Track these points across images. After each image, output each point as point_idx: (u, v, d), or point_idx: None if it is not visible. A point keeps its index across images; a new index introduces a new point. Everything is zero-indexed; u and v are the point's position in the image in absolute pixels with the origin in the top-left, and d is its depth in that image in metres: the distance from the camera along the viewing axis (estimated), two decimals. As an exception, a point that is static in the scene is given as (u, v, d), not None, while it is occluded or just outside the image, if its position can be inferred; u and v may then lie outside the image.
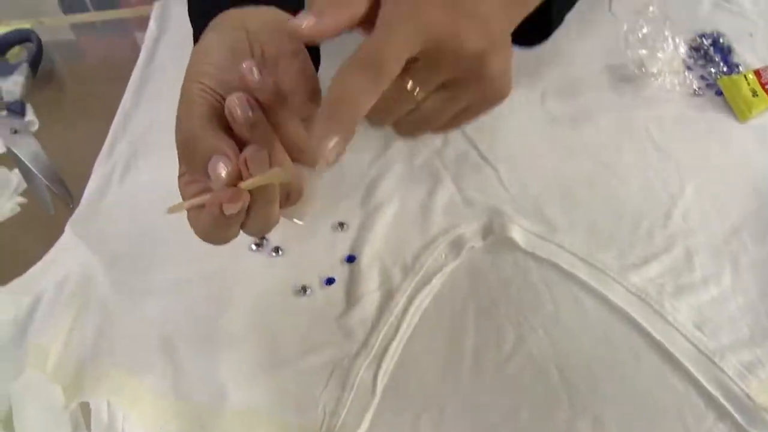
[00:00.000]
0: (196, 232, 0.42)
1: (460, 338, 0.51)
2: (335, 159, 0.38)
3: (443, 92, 0.43)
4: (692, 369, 0.47)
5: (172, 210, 0.42)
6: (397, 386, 0.50)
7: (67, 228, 0.61)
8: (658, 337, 0.49)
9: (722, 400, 0.46)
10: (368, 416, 0.48)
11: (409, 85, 0.42)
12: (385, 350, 0.51)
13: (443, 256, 0.55)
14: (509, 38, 0.46)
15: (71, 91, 0.77)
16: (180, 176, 0.44)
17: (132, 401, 0.50)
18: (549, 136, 0.62)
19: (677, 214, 0.55)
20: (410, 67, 0.40)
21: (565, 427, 0.46)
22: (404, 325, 0.52)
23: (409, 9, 0.40)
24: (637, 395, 0.47)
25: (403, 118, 0.45)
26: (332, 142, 0.37)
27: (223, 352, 0.52)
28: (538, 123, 0.63)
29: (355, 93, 0.38)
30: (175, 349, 0.53)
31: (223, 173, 0.39)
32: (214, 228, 0.41)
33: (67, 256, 0.60)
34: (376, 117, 0.44)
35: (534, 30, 0.59)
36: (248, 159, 0.39)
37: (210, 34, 0.45)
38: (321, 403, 0.49)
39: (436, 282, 0.54)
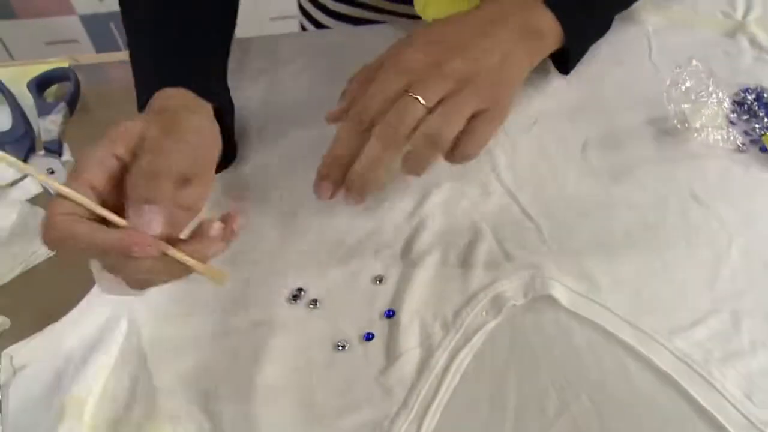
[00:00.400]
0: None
1: (502, 400, 0.50)
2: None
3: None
4: (744, 442, 0.46)
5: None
6: (439, 450, 0.49)
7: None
8: (706, 405, 0.48)
9: (776, 475, 0.45)
10: (410, 480, 0.47)
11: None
12: (425, 411, 0.50)
13: (484, 313, 0.54)
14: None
15: (102, 118, 0.77)
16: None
17: (168, 458, 0.50)
18: (590, 190, 0.61)
19: (724, 275, 0.54)
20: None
21: (612, 499, 0.45)
22: (444, 385, 0.51)
23: None
24: (685, 467, 0.46)
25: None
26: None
27: (261, 408, 0.52)
28: (579, 176, 0.62)
29: None
30: (212, 403, 0.52)
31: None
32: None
33: (104, 301, 0.59)
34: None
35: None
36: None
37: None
38: (362, 467, 0.48)
39: (477, 340, 0.53)
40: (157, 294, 0.58)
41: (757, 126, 0.63)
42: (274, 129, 0.70)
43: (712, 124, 0.61)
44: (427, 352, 0.53)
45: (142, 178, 0.47)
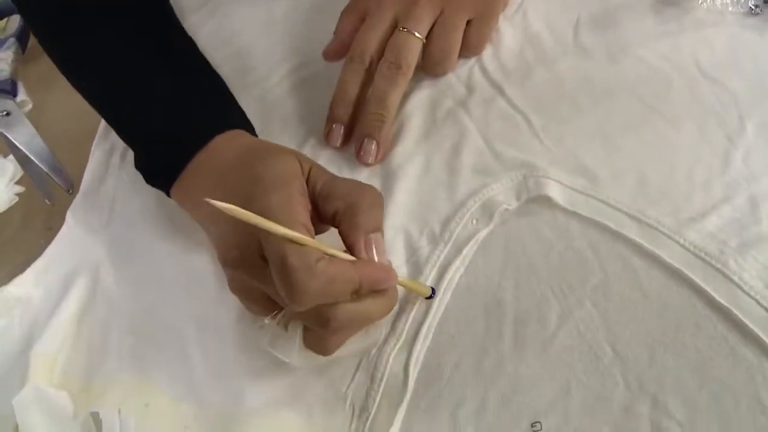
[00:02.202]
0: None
1: (499, 314, 0.46)
2: None
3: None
4: (765, 337, 0.42)
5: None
6: (431, 375, 0.45)
7: (68, 216, 0.57)
8: (722, 301, 0.43)
9: (801, 371, 0.40)
10: (401, 411, 0.44)
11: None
12: (415, 335, 0.46)
13: (474, 221, 0.50)
14: None
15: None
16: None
17: (145, 407, 0.47)
18: (585, 75, 0.55)
19: (737, 157, 0.48)
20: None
21: (622, 410, 0.41)
22: (435, 304, 0.47)
23: None
24: (701, 370, 0.42)
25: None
26: None
27: (238, 348, 0.48)
28: (572, 60, 0.56)
29: None
30: (189, 347, 0.49)
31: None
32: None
33: (71, 248, 0.56)
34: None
35: None
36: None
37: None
38: (348, 399, 0.45)
39: (468, 252, 0.49)
40: (123, 229, 0.55)
41: None
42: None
43: (719, -14, 0.55)
44: (415, 269, 0.48)
45: (368, 207, 0.44)
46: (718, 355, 0.42)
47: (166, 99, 0.53)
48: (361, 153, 0.54)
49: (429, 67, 0.57)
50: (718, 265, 0.44)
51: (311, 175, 0.45)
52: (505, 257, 0.48)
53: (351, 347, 0.46)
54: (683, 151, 0.50)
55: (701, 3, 0.55)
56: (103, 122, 0.63)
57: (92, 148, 0.61)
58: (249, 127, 0.54)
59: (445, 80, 0.58)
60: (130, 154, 0.59)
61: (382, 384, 0.45)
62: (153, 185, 0.53)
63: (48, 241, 0.56)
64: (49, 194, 0.60)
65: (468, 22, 0.57)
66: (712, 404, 0.41)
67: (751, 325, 0.42)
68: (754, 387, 0.41)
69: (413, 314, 0.47)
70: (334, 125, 0.56)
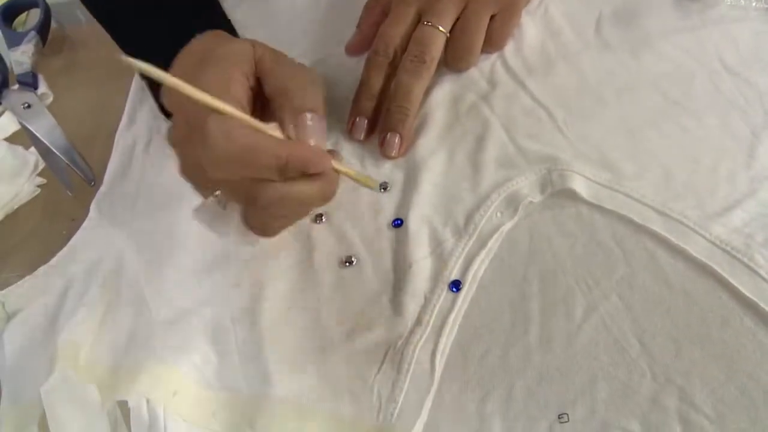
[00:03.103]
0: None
1: (525, 306, 0.46)
2: None
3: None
4: (793, 330, 0.42)
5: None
6: (458, 366, 0.45)
7: (92, 208, 0.58)
8: (749, 294, 0.43)
9: (830, 364, 0.41)
10: (428, 401, 0.44)
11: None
12: (441, 326, 0.46)
13: (498, 214, 0.50)
14: None
15: (83, 57, 0.72)
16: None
17: (174, 395, 0.47)
18: (607, 71, 0.55)
19: (762, 151, 0.48)
20: None
21: (649, 402, 0.42)
22: (461, 296, 0.47)
23: None
24: (728, 363, 0.42)
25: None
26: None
27: (267, 335, 0.48)
28: (594, 55, 0.56)
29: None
30: (216, 335, 0.49)
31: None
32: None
33: (95, 238, 0.56)
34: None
35: None
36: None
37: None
38: (375, 389, 0.45)
39: (493, 244, 0.49)
40: (150, 220, 0.55)
41: None
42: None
43: (742, -18, 0.55)
44: (440, 262, 0.49)
45: (299, 89, 0.43)
46: (745, 349, 0.42)
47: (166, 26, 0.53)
48: (385, 146, 0.54)
49: (452, 61, 0.57)
50: (745, 259, 0.44)
51: (262, 59, 0.45)
52: (530, 250, 0.48)
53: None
54: (707, 145, 0.50)
55: (726, -1, 0.55)
56: (126, 112, 0.63)
57: (116, 139, 0.62)
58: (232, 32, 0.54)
59: (467, 75, 0.58)
60: (154, 144, 0.60)
61: (409, 375, 0.45)
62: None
63: (71, 232, 0.56)
64: (71, 186, 0.60)
65: (491, 18, 0.57)
66: (740, 398, 0.41)
67: (779, 320, 0.42)
68: (783, 377, 0.41)
69: (439, 306, 0.47)
70: (357, 118, 0.56)
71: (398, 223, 0.51)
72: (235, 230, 0.46)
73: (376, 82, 0.56)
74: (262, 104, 0.46)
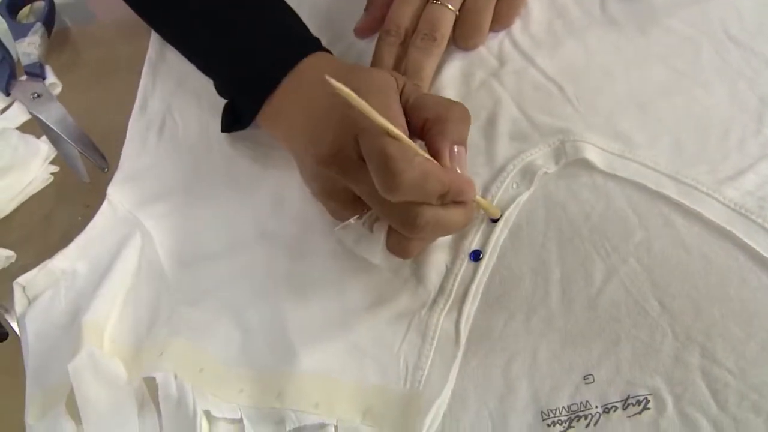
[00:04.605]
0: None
1: (545, 273, 0.47)
2: None
3: None
4: (810, 286, 0.43)
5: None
6: (482, 333, 0.46)
7: (109, 192, 0.58)
8: (765, 254, 0.44)
9: None
10: (455, 368, 0.45)
11: None
12: (464, 295, 0.47)
13: (514, 185, 0.51)
14: None
15: (89, 49, 0.72)
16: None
17: (200, 372, 0.47)
18: (614, 45, 0.56)
19: (770, 116, 0.50)
20: None
21: (672, 360, 0.42)
22: (482, 265, 0.48)
23: None
24: (748, 320, 0.43)
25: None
26: None
27: (290, 311, 0.49)
28: (600, 32, 0.57)
29: None
30: (239, 312, 0.50)
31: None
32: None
33: (112, 222, 0.56)
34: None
35: None
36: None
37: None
38: (401, 358, 0.46)
39: (510, 215, 0.49)
40: (164, 204, 0.56)
41: None
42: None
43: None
44: (459, 233, 0.49)
45: (457, 120, 0.45)
46: (764, 306, 0.43)
47: (250, 23, 0.54)
48: None
49: (461, 39, 0.58)
50: (759, 220, 0.45)
51: (405, 89, 0.47)
52: (547, 219, 0.49)
53: None
54: (717, 113, 0.51)
55: (727, -28, 0.56)
56: (138, 98, 0.63)
57: (129, 125, 0.62)
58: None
59: (476, 53, 0.59)
60: (168, 128, 0.60)
61: (435, 342, 0.46)
62: (238, 110, 0.55)
63: (86, 218, 0.56)
64: (83, 173, 0.61)
65: None
66: (761, 353, 0.42)
67: (797, 276, 0.43)
68: (799, 336, 0.42)
69: (461, 275, 0.48)
70: None
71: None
72: (380, 253, 0.47)
73: (388, 61, 0.57)
74: None
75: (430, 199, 0.42)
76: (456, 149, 0.44)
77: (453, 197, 0.43)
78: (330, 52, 0.55)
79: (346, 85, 0.45)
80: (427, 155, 0.43)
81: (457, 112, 0.46)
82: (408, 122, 0.46)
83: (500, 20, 0.58)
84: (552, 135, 0.52)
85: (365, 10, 0.61)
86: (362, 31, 0.62)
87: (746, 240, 0.45)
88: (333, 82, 0.38)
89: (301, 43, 0.54)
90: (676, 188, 0.48)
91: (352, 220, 0.48)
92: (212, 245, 0.53)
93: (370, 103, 0.42)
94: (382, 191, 0.41)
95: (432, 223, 0.43)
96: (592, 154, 0.50)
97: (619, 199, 0.49)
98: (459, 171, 0.44)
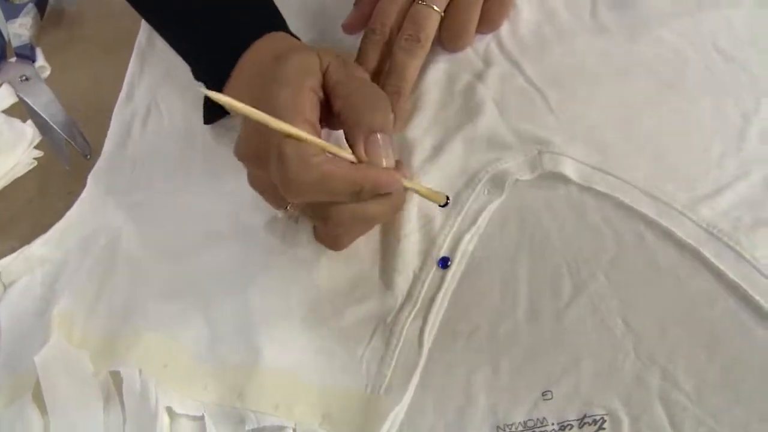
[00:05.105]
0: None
1: (513, 284, 0.47)
2: None
3: None
4: (776, 315, 0.42)
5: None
6: (446, 342, 0.46)
7: (89, 181, 0.58)
8: (733, 277, 0.44)
9: (810, 346, 0.41)
10: (416, 376, 0.44)
11: None
12: (430, 302, 0.47)
13: (486, 192, 0.50)
14: None
15: (81, 31, 0.72)
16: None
17: (166, 366, 0.48)
18: (602, 53, 0.55)
19: (753, 135, 0.49)
20: None
21: (632, 380, 0.42)
22: (450, 273, 0.48)
23: None
24: (711, 344, 0.42)
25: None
26: None
27: (259, 308, 0.49)
28: (589, 38, 0.56)
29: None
30: (210, 307, 0.50)
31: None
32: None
33: (92, 211, 0.57)
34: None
35: None
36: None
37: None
38: (364, 363, 0.46)
39: (482, 222, 0.49)
40: (145, 194, 0.56)
41: None
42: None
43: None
44: (429, 238, 0.49)
45: (369, 108, 0.44)
46: (729, 331, 0.43)
47: (210, 9, 0.54)
48: None
49: (447, 41, 0.57)
50: (731, 242, 0.45)
51: (329, 70, 0.46)
52: (520, 230, 0.49)
53: None
54: (699, 127, 0.50)
55: (721, -18, 0.55)
56: (125, 86, 0.63)
57: (114, 113, 0.62)
58: (289, 31, 0.55)
59: (462, 54, 0.58)
60: (152, 119, 0.61)
61: (398, 350, 0.46)
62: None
63: (68, 204, 0.57)
64: (67, 159, 0.61)
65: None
66: (720, 378, 0.41)
67: (762, 302, 0.43)
68: (764, 362, 0.41)
69: (428, 282, 0.47)
70: None
71: (388, 197, 0.51)
72: (306, 243, 0.48)
73: (372, 60, 0.56)
74: (328, 109, 0.46)
75: (338, 198, 0.42)
76: (377, 138, 0.43)
77: (370, 192, 0.42)
78: (287, 29, 0.55)
79: (263, 77, 0.45)
80: (336, 149, 0.42)
81: (369, 97, 0.45)
82: (332, 107, 0.46)
83: (488, 23, 0.57)
84: (531, 143, 0.51)
85: (354, 5, 0.61)
86: (350, 27, 0.61)
87: (716, 262, 0.44)
88: (213, 93, 0.37)
89: (257, 24, 0.53)
90: (652, 205, 0.47)
91: (279, 214, 0.48)
92: (189, 238, 0.54)
93: (279, 96, 0.42)
94: (282, 193, 0.41)
95: (348, 219, 0.43)
96: (569, 168, 0.49)
97: (593, 213, 0.48)
98: (383, 162, 0.43)
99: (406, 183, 0.45)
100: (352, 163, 0.43)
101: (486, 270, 0.48)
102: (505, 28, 0.58)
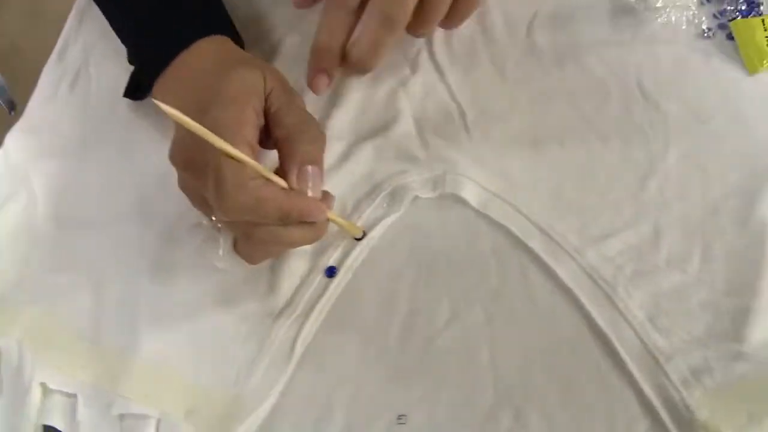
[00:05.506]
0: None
1: (392, 304, 0.47)
2: None
3: None
4: (634, 369, 0.43)
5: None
6: (317, 353, 0.47)
7: (6, 140, 0.58)
8: (603, 326, 0.44)
9: (660, 409, 0.42)
10: (280, 384, 0.45)
11: None
12: (310, 311, 0.47)
13: (384, 205, 0.50)
14: None
15: None
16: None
17: (47, 342, 0.48)
18: (528, 75, 0.54)
19: (654, 182, 0.48)
20: None
21: (485, 417, 0.43)
22: (334, 283, 0.48)
23: None
24: (568, 390, 0.43)
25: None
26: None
27: (146, 294, 0.50)
28: (519, 58, 0.55)
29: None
30: (100, 286, 0.50)
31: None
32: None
33: (5, 172, 0.56)
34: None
35: None
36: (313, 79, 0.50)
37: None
38: (236, 363, 0.46)
39: (375, 235, 0.49)
40: (61, 163, 0.56)
41: (729, 8, 0.54)
42: None
43: (676, 2, 0.53)
44: (321, 246, 0.49)
45: (305, 141, 0.45)
46: (586, 379, 0.44)
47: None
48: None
49: (413, 25, 0.50)
50: (608, 290, 0.45)
51: (271, 95, 0.46)
52: (410, 249, 0.49)
53: None
54: (603, 168, 0.50)
55: (658, 17, 0.54)
56: (58, 45, 0.63)
57: (43, 71, 0.61)
58: (236, 37, 0.54)
59: (391, 57, 0.56)
60: (81, 81, 0.60)
61: (269, 354, 0.46)
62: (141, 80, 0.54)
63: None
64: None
65: None
66: (570, 424, 0.42)
67: (623, 354, 0.43)
68: (612, 415, 0.42)
69: (312, 290, 0.48)
70: (318, 76, 0.51)
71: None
72: (224, 253, 0.49)
73: (340, 36, 0.50)
74: (264, 130, 0.46)
75: (267, 221, 0.42)
76: (306, 169, 0.44)
77: (295, 219, 0.43)
78: (238, 35, 0.54)
79: (207, 89, 0.45)
80: (271, 175, 0.43)
81: (309, 133, 0.45)
82: (270, 131, 0.46)
83: (451, 19, 0.51)
84: (438, 161, 0.51)
85: None
86: (301, 2, 0.55)
87: (589, 308, 0.45)
88: (162, 105, 0.37)
89: (202, 22, 0.52)
90: (542, 241, 0.47)
91: (204, 221, 0.48)
92: (92, 213, 0.54)
93: (222, 114, 0.42)
94: (215, 209, 0.42)
95: (269, 240, 0.44)
96: (469, 192, 0.49)
97: (484, 241, 0.48)
98: (308, 192, 0.44)
99: (330, 215, 0.45)
100: (283, 189, 0.43)
101: (369, 285, 0.48)
102: (438, 35, 0.57)
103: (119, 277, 0.50)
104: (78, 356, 0.48)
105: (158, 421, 0.45)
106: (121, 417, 0.46)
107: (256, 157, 0.43)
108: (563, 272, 0.46)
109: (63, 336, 0.49)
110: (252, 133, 0.44)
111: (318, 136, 0.46)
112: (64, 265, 0.52)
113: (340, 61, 0.51)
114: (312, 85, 0.51)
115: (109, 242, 0.52)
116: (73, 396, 0.47)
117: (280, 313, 0.48)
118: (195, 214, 0.50)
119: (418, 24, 0.50)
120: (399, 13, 0.48)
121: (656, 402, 0.42)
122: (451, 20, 0.52)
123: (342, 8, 0.50)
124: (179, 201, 0.48)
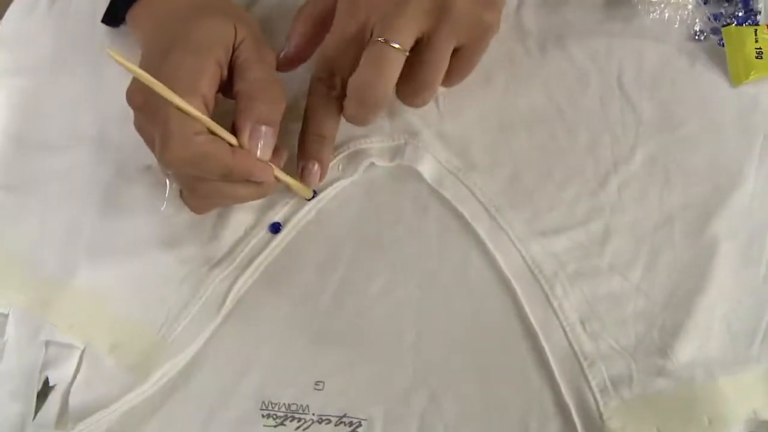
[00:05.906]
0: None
1: (330, 269, 0.47)
2: None
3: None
4: (556, 369, 0.42)
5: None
6: (248, 307, 0.46)
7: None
8: (533, 322, 0.44)
9: (573, 412, 0.41)
10: (206, 332, 0.45)
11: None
12: (248, 264, 0.47)
13: (339, 167, 0.49)
14: None
15: None
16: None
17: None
18: (508, 54, 0.52)
19: (614, 182, 0.47)
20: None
21: (400, 396, 0.43)
22: (276, 240, 0.48)
23: None
24: (486, 379, 0.43)
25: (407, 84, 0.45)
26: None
27: (90, 223, 0.49)
28: (504, 36, 0.51)
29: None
30: (47, 210, 0.50)
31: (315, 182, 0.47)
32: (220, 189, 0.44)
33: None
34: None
35: None
36: (303, 168, 0.47)
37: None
38: (167, 306, 0.46)
39: (324, 197, 0.49)
40: (31, 82, 0.56)
41: (723, 12, 0.51)
42: None
43: (672, -1, 0.51)
44: (268, 202, 0.49)
45: (264, 100, 0.43)
46: (507, 372, 0.43)
47: None
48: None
49: (405, 95, 0.47)
50: (546, 287, 0.44)
51: (240, 47, 0.45)
52: (359, 215, 0.49)
53: None
54: (567, 161, 0.48)
55: (652, 12, 0.52)
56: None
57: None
58: None
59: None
60: (58, 6, 0.58)
61: (200, 302, 0.46)
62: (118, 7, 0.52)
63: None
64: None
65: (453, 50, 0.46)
66: (481, 414, 0.42)
67: (548, 353, 0.43)
68: (526, 412, 0.42)
69: (253, 243, 0.47)
70: (310, 168, 0.47)
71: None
72: (169, 199, 0.48)
73: (324, 123, 0.47)
74: (228, 80, 0.45)
75: (209, 176, 0.42)
76: (261, 130, 0.43)
77: (239, 178, 0.43)
78: None
79: (174, 32, 0.44)
80: (220, 130, 0.42)
81: (271, 92, 0.44)
82: (233, 83, 0.45)
83: (449, 78, 0.47)
84: (401, 131, 0.50)
85: (287, 38, 0.50)
86: (282, 65, 0.49)
87: (523, 302, 0.44)
88: (114, 55, 0.37)
89: None
90: (489, 226, 0.47)
91: (154, 164, 0.48)
92: (52, 134, 0.53)
93: (180, 63, 0.42)
94: (157, 159, 0.41)
95: (212, 195, 0.44)
96: (426, 166, 0.48)
97: (431, 219, 0.48)
98: (259, 152, 0.43)
99: (278, 174, 0.45)
100: (232, 145, 0.42)
101: (311, 246, 0.48)
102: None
103: (67, 205, 0.50)
104: (16, 278, 0.48)
105: (82, 352, 0.46)
106: (47, 344, 0.46)
107: (210, 111, 0.42)
108: (504, 262, 0.45)
109: (7, 257, 0.49)
110: (209, 85, 0.42)
111: (279, 96, 0.44)
112: (18, 185, 0.51)
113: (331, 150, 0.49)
114: (306, 177, 0.47)
115: (63, 169, 0.52)
116: (4, 316, 0.47)
117: (219, 262, 0.47)
118: (149, 155, 0.49)
119: (409, 95, 0.47)
120: (371, 97, 0.44)
121: (571, 405, 0.41)
122: (446, 81, 0.47)
123: (324, 96, 0.47)
124: (137, 138, 0.47)
